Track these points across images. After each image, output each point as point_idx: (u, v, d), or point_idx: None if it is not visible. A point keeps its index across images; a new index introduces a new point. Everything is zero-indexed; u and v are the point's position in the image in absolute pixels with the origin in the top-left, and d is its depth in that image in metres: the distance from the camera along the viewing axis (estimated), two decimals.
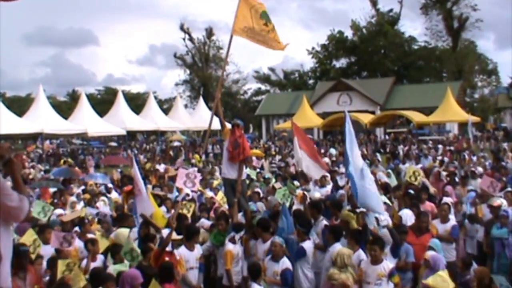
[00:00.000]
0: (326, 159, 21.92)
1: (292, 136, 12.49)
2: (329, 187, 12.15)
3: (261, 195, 11.37)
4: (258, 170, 17.91)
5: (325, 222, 8.27)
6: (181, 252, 7.43)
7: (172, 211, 9.09)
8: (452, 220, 8.86)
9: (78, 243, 8.09)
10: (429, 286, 6.26)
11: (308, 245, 7.61)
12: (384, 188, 11.03)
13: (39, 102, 34.24)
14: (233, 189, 8.55)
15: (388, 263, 6.68)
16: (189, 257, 7.46)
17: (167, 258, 6.88)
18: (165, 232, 7.56)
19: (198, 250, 7.74)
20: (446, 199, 10.32)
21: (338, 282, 6.58)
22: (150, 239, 7.37)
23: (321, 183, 12.45)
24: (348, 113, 8.69)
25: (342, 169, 14.89)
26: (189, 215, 9.32)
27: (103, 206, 12.02)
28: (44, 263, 7.30)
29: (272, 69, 68.31)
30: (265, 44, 9.87)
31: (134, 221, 8.51)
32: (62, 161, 27.65)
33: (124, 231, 8.10)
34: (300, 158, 12.41)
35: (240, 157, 8.50)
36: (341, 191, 10.65)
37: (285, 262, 7.08)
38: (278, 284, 6.97)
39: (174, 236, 7.19)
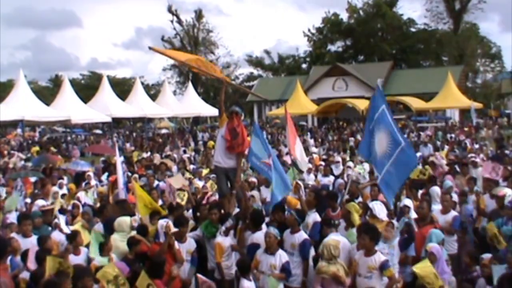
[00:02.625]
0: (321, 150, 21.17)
1: (285, 122, 12.28)
2: (332, 177, 12.56)
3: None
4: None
5: (317, 215, 8.03)
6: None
7: (159, 201, 9.36)
8: (454, 211, 8.66)
9: (58, 236, 7.99)
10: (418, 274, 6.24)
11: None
12: None
13: (19, 88, 33.08)
14: (228, 178, 8.36)
15: (380, 256, 6.40)
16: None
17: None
18: (160, 223, 7.50)
19: (190, 242, 7.55)
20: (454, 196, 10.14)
21: (328, 274, 6.35)
22: (143, 232, 7.37)
23: (324, 172, 12.95)
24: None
25: (338, 158, 15.31)
26: (183, 204, 9.32)
27: (84, 197, 11.83)
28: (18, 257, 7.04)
29: (267, 52, 68.24)
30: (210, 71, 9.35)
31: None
32: (35, 149, 26.67)
33: (126, 219, 7.95)
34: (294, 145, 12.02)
35: (239, 148, 8.35)
36: (340, 180, 11.01)
37: (283, 255, 6.86)
38: (284, 279, 6.80)
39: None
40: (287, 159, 16.66)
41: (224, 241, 7.50)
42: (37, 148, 28.75)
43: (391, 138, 7.74)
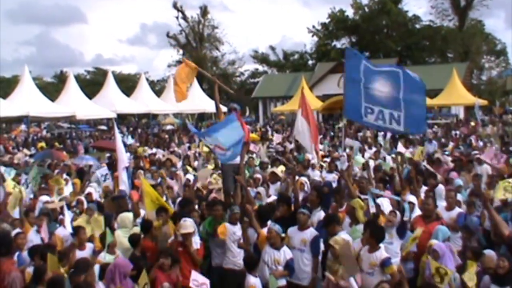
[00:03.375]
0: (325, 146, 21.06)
1: (299, 105, 12.39)
2: (336, 174, 12.38)
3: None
4: (250, 155, 17.05)
5: (322, 214, 7.99)
6: None
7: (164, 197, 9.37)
8: (458, 208, 8.65)
9: (62, 232, 8.05)
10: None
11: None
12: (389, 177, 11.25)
13: (24, 84, 33.24)
14: (234, 175, 8.42)
15: (383, 252, 6.41)
16: None
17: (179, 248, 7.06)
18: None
19: (195, 238, 7.45)
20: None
21: (328, 272, 6.45)
22: (147, 227, 7.39)
23: (329, 168, 12.89)
24: None
25: (343, 153, 15.36)
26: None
27: (95, 193, 11.61)
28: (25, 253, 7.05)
29: (272, 48, 68.07)
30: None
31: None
32: (41, 145, 26.73)
33: (128, 215, 8.02)
34: (300, 130, 12.27)
35: None
36: None
37: (287, 252, 6.88)
38: (287, 275, 6.82)
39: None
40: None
41: (230, 226, 7.49)
42: (43, 144, 28.84)
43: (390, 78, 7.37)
